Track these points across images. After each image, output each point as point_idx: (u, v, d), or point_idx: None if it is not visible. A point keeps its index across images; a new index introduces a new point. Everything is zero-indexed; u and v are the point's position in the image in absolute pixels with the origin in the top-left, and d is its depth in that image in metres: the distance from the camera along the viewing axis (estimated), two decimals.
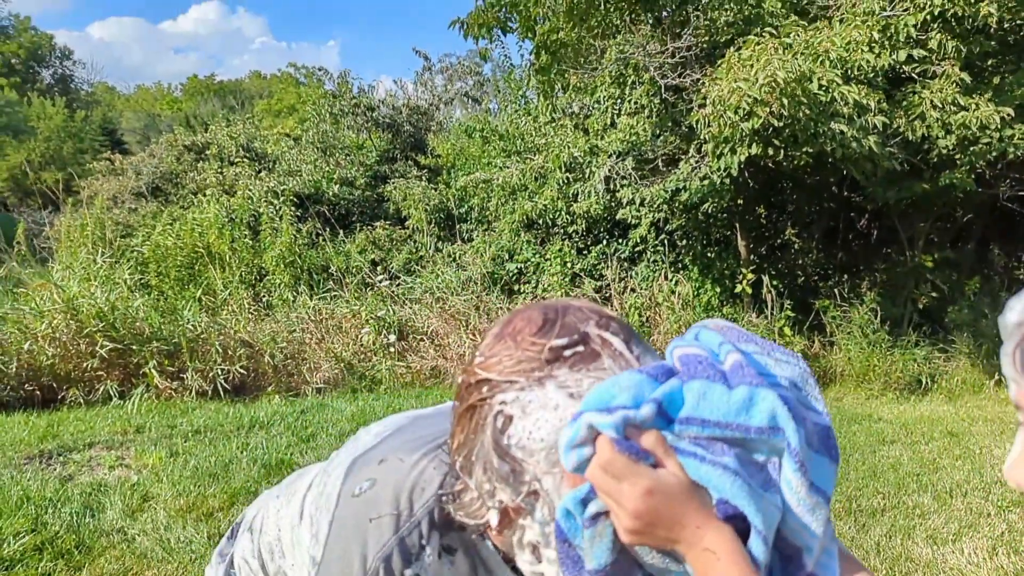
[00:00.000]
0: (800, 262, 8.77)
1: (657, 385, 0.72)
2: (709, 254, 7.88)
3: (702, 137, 5.04)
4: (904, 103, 4.99)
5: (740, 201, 7.38)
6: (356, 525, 0.91)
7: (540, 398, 0.76)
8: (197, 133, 12.50)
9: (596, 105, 7.29)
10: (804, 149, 4.74)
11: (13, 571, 2.54)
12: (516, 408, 0.77)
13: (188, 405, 5.01)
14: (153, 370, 5.20)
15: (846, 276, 8.07)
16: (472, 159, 10.13)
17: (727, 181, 5.69)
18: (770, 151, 4.91)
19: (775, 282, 7.23)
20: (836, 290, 7.34)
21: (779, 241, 8.88)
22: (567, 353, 0.77)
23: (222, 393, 5.23)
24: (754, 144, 4.83)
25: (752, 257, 7.57)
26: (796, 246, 8.86)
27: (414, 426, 1.03)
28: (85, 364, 5.21)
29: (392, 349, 6.00)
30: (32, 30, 46.41)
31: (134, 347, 5.32)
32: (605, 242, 8.23)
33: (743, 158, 4.92)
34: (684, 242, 8.10)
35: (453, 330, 6.23)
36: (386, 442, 1.01)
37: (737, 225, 7.44)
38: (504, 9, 5.04)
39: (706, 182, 5.85)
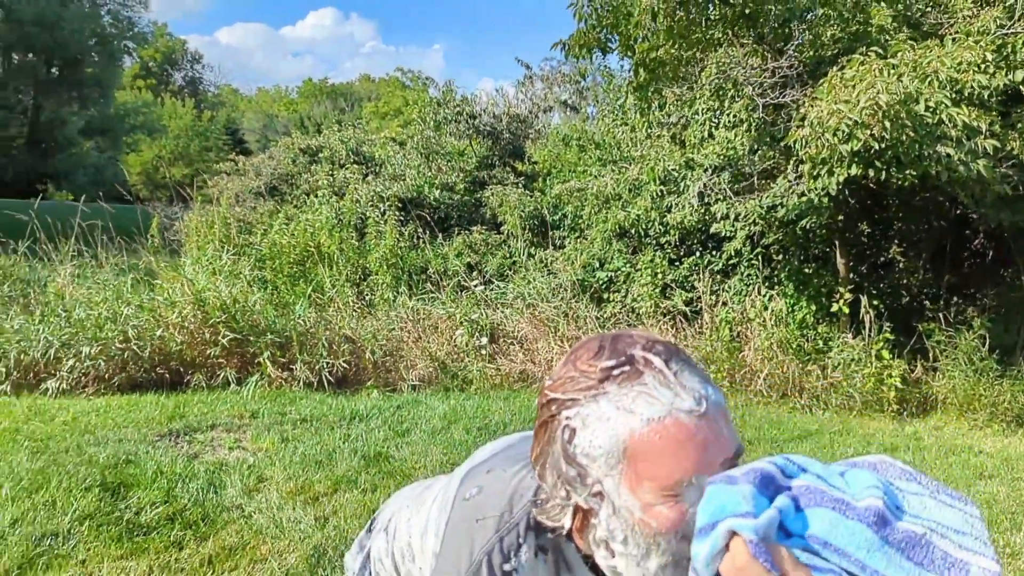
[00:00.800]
0: (905, 282, 8.41)
1: (766, 500, 0.78)
2: (806, 270, 7.68)
3: (799, 157, 4.96)
4: (1020, 125, 4.74)
5: (840, 217, 7.17)
6: (466, 526, 1.07)
7: (596, 412, 0.89)
8: (310, 133, 13.22)
9: (694, 117, 7.26)
10: (907, 171, 4.60)
11: (149, 537, 2.89)
12: (578, 421, 0.90)
13: (296, 395, 5.40)
14: (267, 360, 5.64)
15: (955, 298, 7.67)
16: (568, 166, 10.26)
17: (826, 199, 5.56)
18: (871, 172, 4.79)
19: (876, 302, 6.98)
20: (942, 313, 7.01)
21: (882, 259, 8.54)
22: (615, 372, 0.89)
23: (326, 385, 5.60)
24: (854, 165, 4.73)
25: (851, 275, 7.33)
26: (901, 265, 8.49)
27: (520, 444, 1.18)
28: (208, 352, 5.70)
29: (484, 351, 6.22)
30: (167, 35, 50.06)
31: (251, 338, 5.78)
32: (698, 254, 8.16)
33: (841, 178, 4.82)
34: (780, 257, 7.93)
35: (542, 335, 6.38)
36: (496, 457, 1.17)
37: (836, 242, 7.23)
38: (604, 30, 5.15)
39: (804, 199, 5.75)
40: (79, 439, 4.02)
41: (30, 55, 30.10)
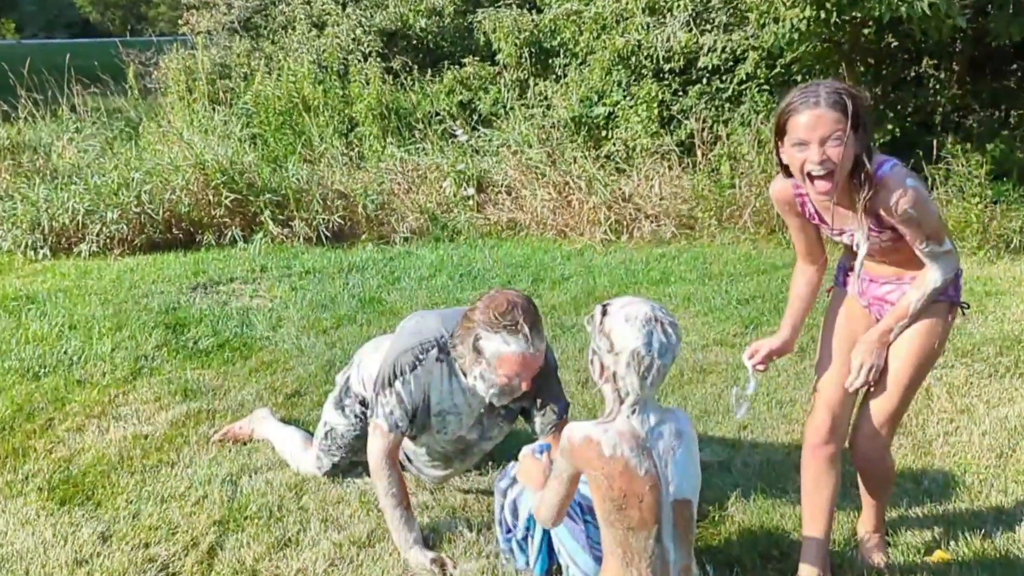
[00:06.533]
0: (935, 99, 9.95)
1: None
2: None
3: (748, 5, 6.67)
4: None
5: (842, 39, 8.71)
6: (403, 337, 3.38)
7: (492, 337, 3.04)
8: None
9: None
10: (852, 14, 6.31)
11: (210, 356, 5.20)
12: (483, 334, 3.07)
13: (298, 249, 7.63)
14: (268, 219, 7.83)
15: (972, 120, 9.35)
16: None
17: (795, 34, 7.18)
18: (822, 14, 6.50)
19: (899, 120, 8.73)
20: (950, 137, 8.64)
21: (911, 74, 10.04)
22: (507, 326, 3.04)
23: (324, 240, 7.80)
24: (808, 7, 6.43)
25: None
26: (931, 81, 10.00)
27: (438, 316, 3.45)
28: (214, 212, 7.92)
29: (472, 201, 8.30)
30: None
31: (251, 197, 7.96)
32: (705, 81, 9.72)
33: (796, 22, 6.55)
34: (800, 78, 9.52)
35: (529, 183, 8.39)
36: (428, 312, 3.56)
37: (843, 63, 8.80)
38: None
39: (778, 34, 7.42)
40: (129, 293, 6.36)
41: None
